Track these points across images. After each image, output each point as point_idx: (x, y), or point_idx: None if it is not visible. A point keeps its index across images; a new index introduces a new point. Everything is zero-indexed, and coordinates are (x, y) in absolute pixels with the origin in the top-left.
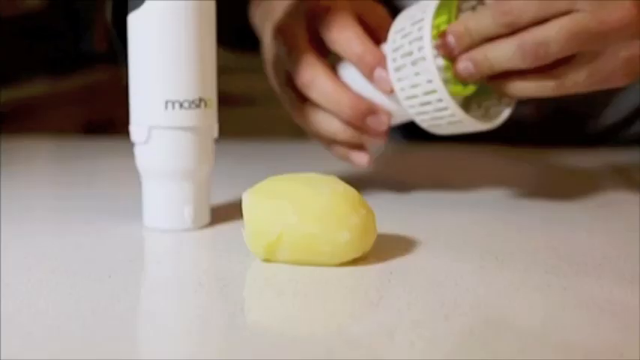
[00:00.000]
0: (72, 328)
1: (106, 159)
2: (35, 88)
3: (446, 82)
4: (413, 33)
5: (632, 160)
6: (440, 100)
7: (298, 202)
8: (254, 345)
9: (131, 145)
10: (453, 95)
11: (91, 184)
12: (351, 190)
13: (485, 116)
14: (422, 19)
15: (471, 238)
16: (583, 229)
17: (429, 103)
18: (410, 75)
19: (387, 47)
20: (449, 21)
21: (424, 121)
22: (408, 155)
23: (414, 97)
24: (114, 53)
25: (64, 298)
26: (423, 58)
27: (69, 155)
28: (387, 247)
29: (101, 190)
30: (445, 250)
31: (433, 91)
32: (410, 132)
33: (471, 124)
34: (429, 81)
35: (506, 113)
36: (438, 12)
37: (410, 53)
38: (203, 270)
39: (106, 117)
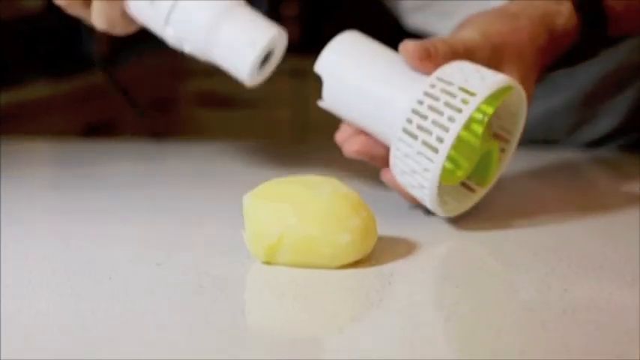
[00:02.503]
0: (72, 329)
1: (105, 161)
2: (35, 91)
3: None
4: (443, 116)
5: (631, 162)
6: (426, 171)
7: (299, 205)
8: (254, 347)
9: (131, 147)
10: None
11: (91, 186)
12: (351, 193)
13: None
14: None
15: (471, 241)
16: (583, 231)
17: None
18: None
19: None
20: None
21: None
22: None
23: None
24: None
25: (65, 300)
26: (436, 151)
27: (69, 158)
28: (387, 250)
29: (101, 192)
30: (445, 252)
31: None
32: None
33: (432, 203)
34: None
35: (455, 213)
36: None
37: (429, 132)
38: (204, 272)
39: (105, 119)
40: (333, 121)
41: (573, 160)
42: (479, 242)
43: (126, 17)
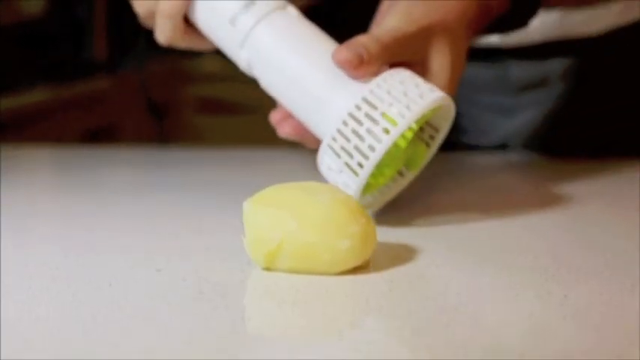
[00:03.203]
0: (72, 336)
1: (106, 167)
2: (35, 97)
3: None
4: (364, 142)
5: (630, 168)
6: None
7: (298, 211)
8: (255, 353)
9: (131, 153)
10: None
11: (92, 192)
12: (351, 199)
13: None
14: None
15: (472, 246)
16: (583, 236)
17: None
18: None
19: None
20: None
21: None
22: None
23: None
24: (114, 61)
25: (65, 306)
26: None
27: (69, 164)
28: (387, 256)
29: (101, 198)
30: (445, 258)
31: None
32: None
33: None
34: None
35: (377, 206)
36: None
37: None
38: (204, 278)
39: (106, 125)
40: None
41: (573, 167)
42: (478, 248)
43: (189, 34)
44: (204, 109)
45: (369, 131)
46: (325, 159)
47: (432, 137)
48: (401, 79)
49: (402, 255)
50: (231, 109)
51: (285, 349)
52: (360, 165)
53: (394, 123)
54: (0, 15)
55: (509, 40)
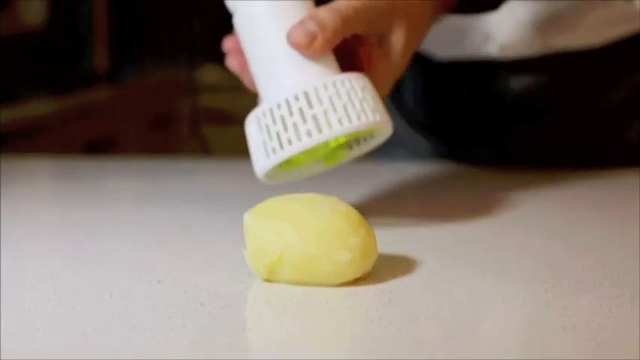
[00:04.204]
0: (73, 347)
1: (106, 178)
2: (36, 108)
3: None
4: (286, 133)
5: (630, 177)
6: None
7: (299, 222)
8: None
9: (132, 164)
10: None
11: (92, 203)
12: (351, 211)
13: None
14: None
15: (472, 258)
16: (583, 247)
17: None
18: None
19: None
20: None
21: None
22: (409, 175)
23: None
24: (115, 72)
25: (66, 317)
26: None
27: (70, 175)
28: (388, 267)
29: (102, 209)
30: (446, 270)
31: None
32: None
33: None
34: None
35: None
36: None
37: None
38: (204, 289)
39: (106, 136)
40: None
41: (574, 179)
42: (478, 260)
43: None
44: (205, 119)
45: (294, 125)
46: (251, 126)
47: (358, 143)
48: (351, 88)
49: (403, 267)
50: (232, 120)
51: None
52: (274, 151)
53: (319, 130)
54: (1, 26)
55: (506, 54)
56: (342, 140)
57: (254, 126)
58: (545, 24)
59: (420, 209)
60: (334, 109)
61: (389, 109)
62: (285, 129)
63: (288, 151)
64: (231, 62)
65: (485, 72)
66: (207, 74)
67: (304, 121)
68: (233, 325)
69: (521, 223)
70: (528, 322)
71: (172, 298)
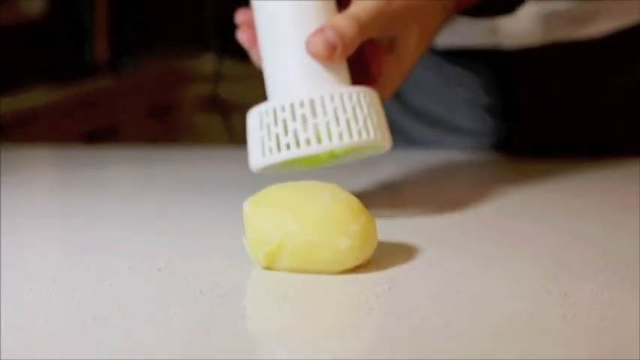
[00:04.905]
0: (73, 336)
1: (107, 167)
2: (36, 97)
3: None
4: (286, 136)
5: (629, 166)
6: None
7: (299, 210)
8: (255, 352)
9: (131, 153)
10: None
11: (92, 192)
12: (351, 198)
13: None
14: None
15: (473, 246)
16: (583, 236)
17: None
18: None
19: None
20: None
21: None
22: (409, 163)
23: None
24: (115, 62)
25: (65, 306)
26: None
27: (70, 164)
28: (388, 255)
29: (102, 198)
30: (446, 258)
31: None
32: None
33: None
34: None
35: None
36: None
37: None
38: (204, 277)
39: (106, 126)
40: None
41: (573, 169)
42: (479, 247)
43: None
44: (205, 108)
45: (294, 131)
46: (252, 118)
47: (347, 153)
48: (357, 103)
49: (403, 254)
50: (232, 109)
51: (285, 348)
52: (270, 151)
53: (319, 140)
54: (1, 16)
55: (510, 43)
56: (339, 152)
57: (256, 120)
58: (550, 16)
59: (419, 197)
60: (337, 122)
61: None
62: (285, 133)
63: (284, 156)
64: (242, 36)
65: (488, 61)
66: (207, 63)
67: (305, 128)
68: (233, 314)
69: (523, 212)
70: (529, 309)
71: (172, 286)
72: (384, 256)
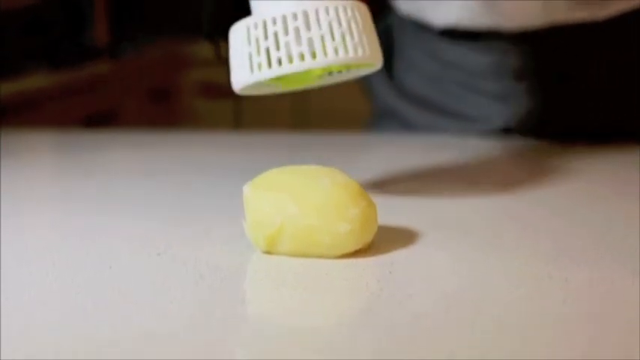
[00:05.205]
0: (72, 320)
1: (106, 151)
2: (36, 82)
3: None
4: (278, 51)
5: (630, 153)
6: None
7: (298, 194)
8: (254, 336)
9: (131, 137)
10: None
11: (92, 176)
12: (351, 182)
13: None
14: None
15: (473, 231)
16: (584, 221)
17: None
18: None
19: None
20: None
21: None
22: (410, 147)
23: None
24: (115, 46)
25: (65, 290)
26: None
27: (69, 148)
28: (388, 239)
29: (102, 182)
30: (446, 242)
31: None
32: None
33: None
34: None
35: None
36: None
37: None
38: (204, 262)
39: (105, 110)
40: (333, 111)
41: (573, 155)
42: (479, 232)
43: None
44: (204, 93)
45: (287, 45)
46: (237, 34)
47: (330, 74)
48: (352, 17)
49: (403, 239)
50: (230, 93)
51: (285, 332)
52: (260, 67)
53: (313, 55)
54: (1, 1)
55: (510, 25)
56: (334, 69)
57: (242, 35)
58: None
59: (420, 182)
60: (332, 36)
61: (382, 82)
62: (277, 47)
63: (276, 71)
64: None
65: (487, 42)
66: (207, 48)
67: (299, 42)
68: (232, 298)
69: (523, 197)
70: (530, 294)
71: (172, 270)
72: (385, 240)
